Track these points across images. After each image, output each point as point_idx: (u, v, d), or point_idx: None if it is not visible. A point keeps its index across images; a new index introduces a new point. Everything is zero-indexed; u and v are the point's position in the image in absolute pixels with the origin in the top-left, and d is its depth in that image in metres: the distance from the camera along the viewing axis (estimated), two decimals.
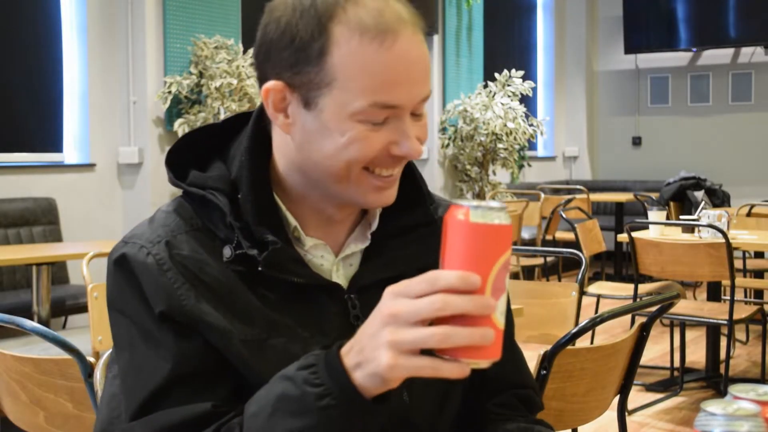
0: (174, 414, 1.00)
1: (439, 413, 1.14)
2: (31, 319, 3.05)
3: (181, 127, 5.17)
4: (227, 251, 1.04)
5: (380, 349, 0.84)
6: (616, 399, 2.01)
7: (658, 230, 4.26)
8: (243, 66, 5.22)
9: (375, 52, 0.98)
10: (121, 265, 1.06)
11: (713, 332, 4.43)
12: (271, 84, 1.03)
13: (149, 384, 1.01)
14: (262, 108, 1.09)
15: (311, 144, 1.03)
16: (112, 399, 1.10)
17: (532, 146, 8.38)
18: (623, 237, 4.20)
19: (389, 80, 0.99)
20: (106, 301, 1.09)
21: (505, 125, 6.94)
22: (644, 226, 4.37)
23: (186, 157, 1.11)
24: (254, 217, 1.04)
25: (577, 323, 2.37)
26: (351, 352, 0.88)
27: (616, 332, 5.09)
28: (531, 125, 7.20)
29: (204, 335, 1.02)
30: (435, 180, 7.28)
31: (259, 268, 1.02)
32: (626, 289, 4.62)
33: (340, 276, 1.11)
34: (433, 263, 0.93)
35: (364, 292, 1.09)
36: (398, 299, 0.85)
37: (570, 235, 5.48)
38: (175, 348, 1.02)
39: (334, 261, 1.11)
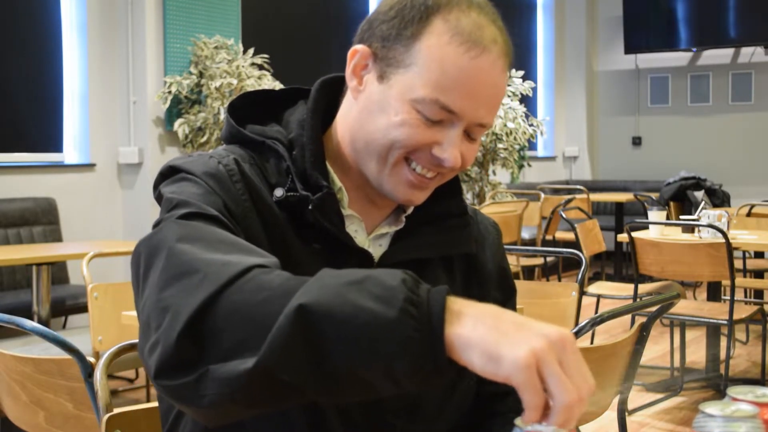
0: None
1: (450, 398, 1.14)
2: (31, 319, 3.05)
3: (181, 128, 5.17)
4: (279, 191, 1.07)
5: (526, 343, 0.77)
6: (616, 399, 2.01)
7: (658, 230, 4.26)
8: (243, 66, 5.22)
9: (458, 56, 1.03)
10: (186, 166, 1.05)
11: (713, 332, 4.42)
12: (360, 47, 1.09)
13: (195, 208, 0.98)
14: (325, 81, 1.15)
15: (369, 114, 1.07)
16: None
17: (532, 146, 8.38)
18: (623, 237, 4.20)
19: (459, 86, 1.03)
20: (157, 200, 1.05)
21: (505, 125, 6.94)
22: (644, 226, 4.37)
23: (245, 113, 1.15)
24: (310, 165, 1.08)
25: (577, 323, 2.37)
26: (470, 308, 0.81)
27: (616, 332, 5.09)
28: (531, 125, 7.20)
29: None
30: None
31: (309, 207, 1.05)
32: (626, 289, 4.62)
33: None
34: (458, 253, 1.07)
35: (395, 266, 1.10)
36: (572, 345, 0.80)
37: (570, 235, 5.48)
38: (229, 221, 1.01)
39: (366, 238, 1.14)
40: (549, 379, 0.77)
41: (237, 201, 1.04)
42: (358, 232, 1.13)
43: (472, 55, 1.03)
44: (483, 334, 0.78)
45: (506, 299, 1.29)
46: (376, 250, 1.14)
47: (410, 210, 1.16)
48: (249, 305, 0.82)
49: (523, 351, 0.77)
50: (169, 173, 1.07)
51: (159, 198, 1.06)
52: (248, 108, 1.16)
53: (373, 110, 1.07)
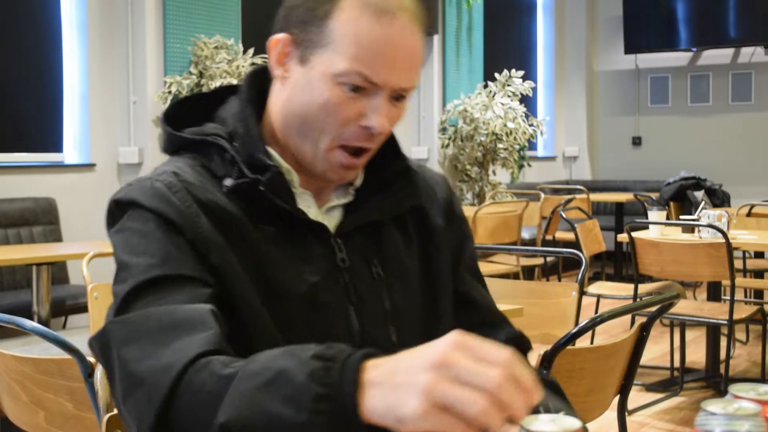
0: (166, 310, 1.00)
1: (402, 330, 1.18)
2: (31, 319, 3.05)
3: None
4: (228, 181, 1.11)
5: (414, 390, 0.77)
6: (616, 399, 2.01)
7: (658, 230, 4.26)
8: (243, 66, 5.22)
9: (371, 26, 1.07)
10: (127, 196, 1.10)
11: (713, 332, 4.42)
12: (279, 35, 1.13)
13: (137, 278, 1.03)
14: (254, 72, 1.20)
15: (298, 98, 1.12)
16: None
17: (532, 146, 8.38)
18: (623, 237, 4.20)
19: (376, 54, 1.07)
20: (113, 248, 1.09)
21: (505, 125, 6.94)
22: (644, 226, 4.37)
23: (181, 120, 1.19)
24: (254, 150, 1.12)
25: (577, 323, 2.37)
26: (379, 370, 0.81)
27: (616, 332, 5.09)
28: (531, 125, 7.20)
29: (208, 256, 1.06)
30: None
31: (261, 188, 1.09)
32: (626, 289, 4.62)
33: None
34: (407, 209, 1.17)
35: (348, 238, 1.16)
36: (461, 351, 0.78)
37: (570, 235, 5.48)
38: (173, 251, 1.05)
39: (318, 212, 1.18)
40: (451, 406, 0.75)
41: (181, 212, 1.07)
42: (310, 207, 1.17)
43: (383, 23, 1.07)
44: (387, 401, 0.78)
45: (460, 238, 1.30)
46: (331, 222, 1.18)
47: (359, 181, 1.20)
48: (190, 414, 0.91)
49: (413, 402, 0.76)
50: (115, 209, 1.12)
51: (113, 232, 1.11)
52: (183, 115, 1.20)
53: (299, 94, 1.11)
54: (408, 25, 1.09)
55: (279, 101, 1.15)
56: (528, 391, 0.77)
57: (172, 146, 1.18)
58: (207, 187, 1.11)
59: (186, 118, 1.19)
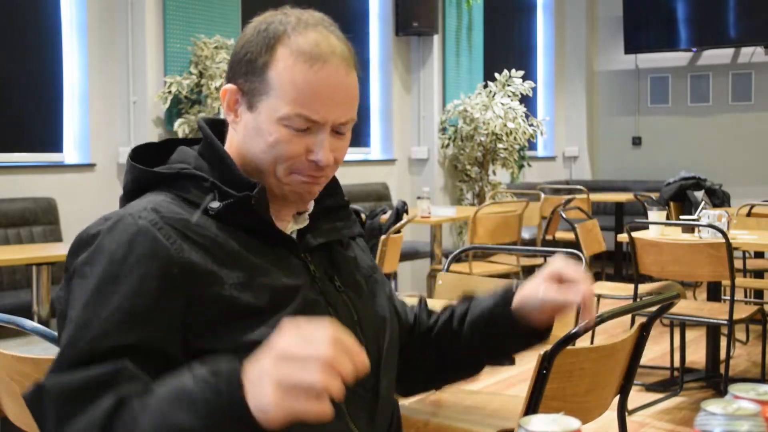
0: (80, 375, 1.07)
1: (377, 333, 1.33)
2: (31, 319, 3.05)
3: (181, 128, 5.17)
4: (215, 204, 1.20)
5: (265, 380, 0.94)
6: (616, 399, 2.01)
7: (658, 230, 4.26)
8: None
9: (305, 73, 1.20)
10: (110, 230, 1.17)
11: (713, 332, 4.42)
12: (228, 86, 1.26)
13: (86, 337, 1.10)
14: (206, 120, 1.32)
15: (251, 140, 1.24)
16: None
17: (532, 146, 8.38)
18: (623, 237, 4.20)
19: (312, 97, 1.20)
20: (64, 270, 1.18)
21: (505, 125, 6.95)
22: (644, 226, 4.37)
23: (144, 161, 1.28)
24: (234, 171, 1.23)
25: (577, 323, 2.37)
26: (252, 371, 0.97)
27: (616, 332, 5.09)
28: (531, 125, 7.20)
29: (194, 287, 1.14)
30: (435, 180, 7.28)
31: (252, 202, 1.19)
32: (626, 289, 4.62)
33: None
34: (349, 236, 1.36)
35: (312, 253, 1.30)
36: (292, 336, 0.94)
37: (570, 235, 5.47)
38: (141, 304, 1.11)
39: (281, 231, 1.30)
40: (295, 383, 0.92)
41: (166, 248, 1.15)
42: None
43: (316, 69, 1.20)
44: (255, 397, 0.95)
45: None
46: None
47: (311, 209, 1.33)
48: None
49: (267, 390, 0.93)
50: (89, 241, 1.18)
51: (69, 278, 1.18)
52: (145, 157, 1.28)
53: (251, 136, 1.24)
54: (340, 68, 1.21)
55: (234, 143, 1.27)
56: (354, 353, 0.93)
57: (141, 184, 1.26)
58: (184, 216, 1.19)
59: (149, 160, 1.28)
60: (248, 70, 1.24)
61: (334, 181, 1.36)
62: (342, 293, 1.29)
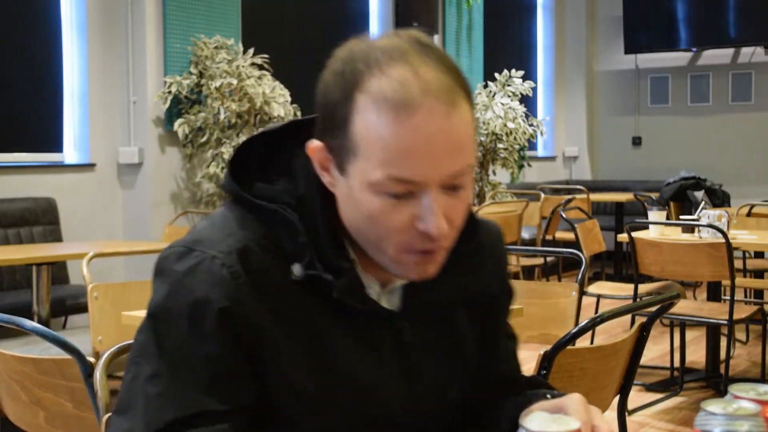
0: None
1: (444, 397, 1.16)
2: (31, 319, 3.05)
3: (181, 128, 5.17)
4: (297, 270, 1.02)
5: None
6: (616, 399, 2.01)
7: (658, 230, 4.26)
8: (243, 66, 5.22)
9: (389, 125, 0.95)
10: (188, 275, 1.01)
11: (713, 332, 4.42)
12: (313, 143, 1.03)
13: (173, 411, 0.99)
14: (295, 124, 1.11)
15: (349, 209, 1.02)
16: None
17: (532, 146, 8.38)
18: (623, 237, 4.20)
19: (404, 154, 0.96)
20: (149, 307, 1.04)
21: (505, 125, 6.94)
22: (644, 226, 4.37)
23: (248, 166, 1.09)
24: (327, 240, 1.03)
25: (577, 323, 2.37)
26: None
27: (616, 332, 5.09)
28: (531, 125, 7.20)
29: (266, 354, 1.01)
30: None
31: (334, 295, 1.02)
32: (626, 289, 4.62)
33: (385, 305, 1.11)
34: (479, 290, 1.14)
35: (414, 319, 1.11)
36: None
37: (570, 235, 5.47)
38: (216, 372, 1.00)
39: (379, 291, 1.10)
40: None
41: (244, 305, 1.00)
42: (372, 287, 1.09)
43: (403, 119, 0.95)
44: None
45: (506, 302, 1.29)
46: (390, 299, 1.11)
47: None
48: None
49: None
50: (192, 272, 1.02)
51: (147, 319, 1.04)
52: (253, 157, 1.10)
53: (349, 205, 1.02)
54: (436, 109, 0.96)
55: (340, 209, 1.04)
56: None
57: (237, 201, 1.08)
58: (274, 272, 1.02)
59: (255, 165, 1.09)
60: (330, 124, 1.00)
61: (468, 222, 1.09)
62: (441, 360, 1.13)
